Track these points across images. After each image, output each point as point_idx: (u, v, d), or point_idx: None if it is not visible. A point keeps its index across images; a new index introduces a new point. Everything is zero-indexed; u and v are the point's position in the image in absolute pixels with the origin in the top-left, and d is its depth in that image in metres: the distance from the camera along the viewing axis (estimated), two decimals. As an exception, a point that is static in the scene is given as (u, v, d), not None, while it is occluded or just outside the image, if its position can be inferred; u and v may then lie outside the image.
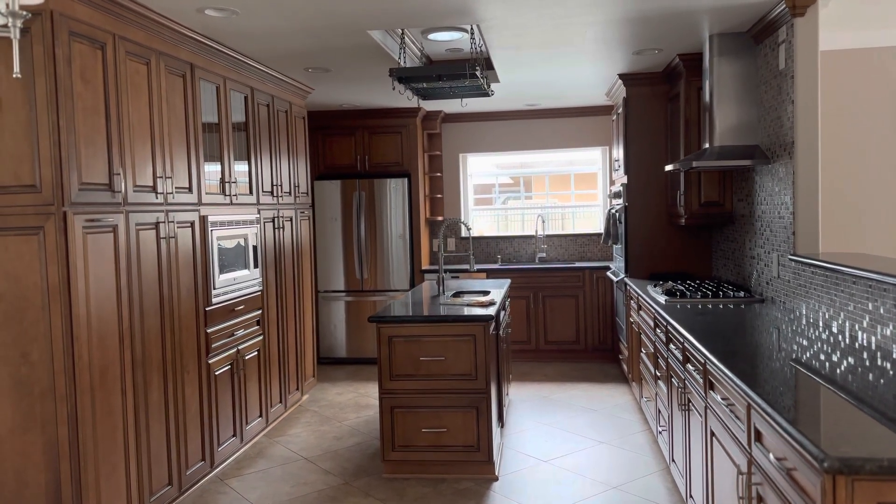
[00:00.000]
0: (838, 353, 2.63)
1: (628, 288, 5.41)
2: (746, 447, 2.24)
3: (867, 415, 1.87)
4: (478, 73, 4.05)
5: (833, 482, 1.59)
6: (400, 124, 6.91)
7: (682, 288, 4.50)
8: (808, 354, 2.64)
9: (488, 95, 4.64)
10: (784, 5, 3.62)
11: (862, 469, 1.56)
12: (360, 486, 3.89)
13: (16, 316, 2.89)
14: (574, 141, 7.34)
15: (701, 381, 2.88)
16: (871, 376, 2.26)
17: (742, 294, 4.22)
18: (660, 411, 4.04)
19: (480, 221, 7.74)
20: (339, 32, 4.00)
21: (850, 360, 2.51)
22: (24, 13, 1.81)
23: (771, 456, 1.98)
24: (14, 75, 1.79)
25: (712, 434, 2.73)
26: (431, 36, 4.51)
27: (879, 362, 2.45)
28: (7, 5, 1.83)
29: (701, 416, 2.91)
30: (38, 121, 2.82)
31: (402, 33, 4.39)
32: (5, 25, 1.94)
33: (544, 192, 7.74)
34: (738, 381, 2.26)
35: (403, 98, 6.07)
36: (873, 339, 2.77)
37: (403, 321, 3.88)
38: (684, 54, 4.85)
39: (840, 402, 2.01)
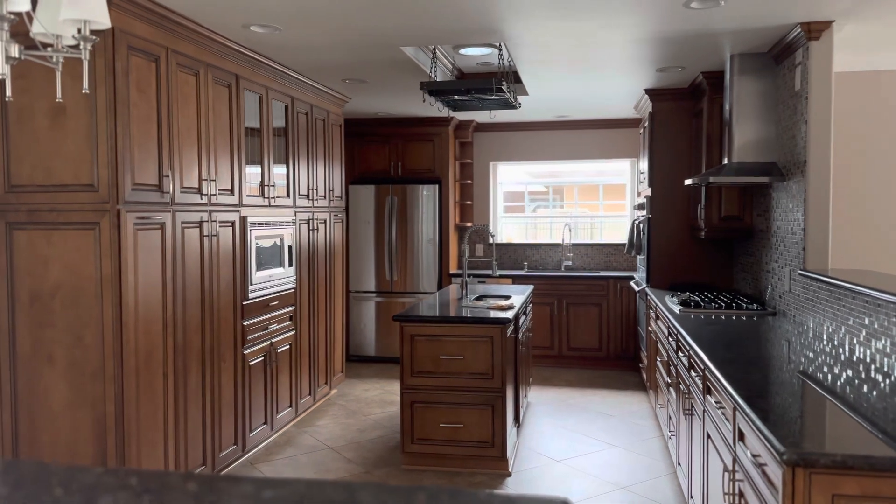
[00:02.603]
0: (834, 364, 2.78)
1: (648, 297, 5.55)
2: (732, 446, 2.41)
3: (842, 417, 2.04)
4: (504, 87, 4.27)
5: (793, 474, 1.76)
6: (433, 133, 7.16)
7: (698, 299, 4.64)
8: (804, 364, 2.79)
9: (515, 108, 4.85)
10: (800, 29, 3.76)
11: (817, 463, 1.73)
12: (380, 475, 4.12)
13: (72, 303, 3.19)
14: (603, 152, 7.50)
15: (701, 386, 3.05)
16: (863, 387, 2.41)
17: (756, 307, 4.35)
18: (670, 417, 4.19)
19: (510, 228, 7.95)
20: (374, 48, 4.26)
21: (844, 370, 2.65)
22: (94, 37, 2.08)
23: (748, 453, 2.16)
24: (83, 91, 2.06)
25: (708, 436, 2.89)
26: (462, 51, 4.74)
27: (872, 374, 2.59)
28: (79, 31, 2.11)
29: (700, 419, 3.07)
30: (97, 127, 3.12)
31: (434, 49, 4.63)
32: (75, 46, 2.22)
33: (573, 202, 7.91)
34: (726, 384, 2.43)
35: (436, 108, 6.31)
36: (868, 352, 2.90)
37: (425, 321, 4.10)
38: (707, 72, 5.00)
39: (819, 407, 2.17)
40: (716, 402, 2.72)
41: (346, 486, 0.80)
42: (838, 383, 2.44)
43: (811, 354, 2.98)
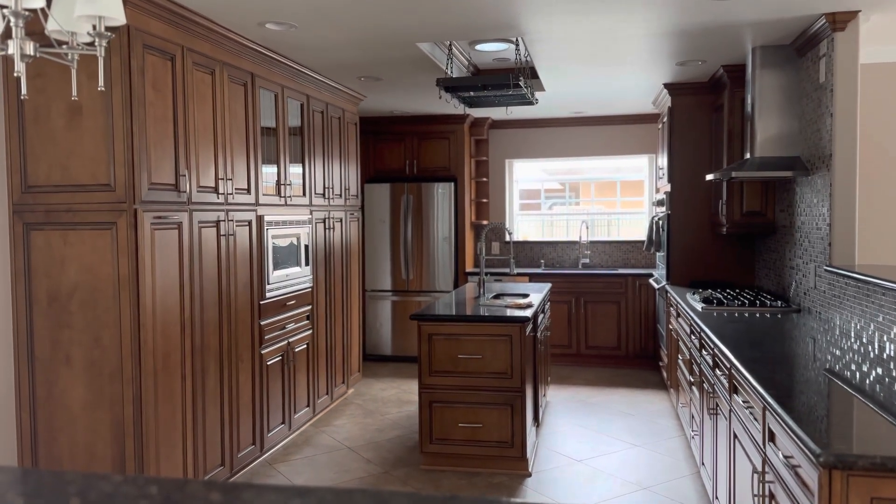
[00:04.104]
0: (863, 361, 2.70)
1: (669, 295, 5.48)
2: (762, 447, 2.34)
3: (875, 417, 1.97)
4: (521, 83, 4.21)
5: (829, 477, 1.70)
6: (448, 130, 7.11)
7: (720, 296, 4.56)
8: (831, 362, 2.72)
9: (532, 104, 4.80)
10: (825, 20, 3.67)
11: (855, 465, 1.67)
12: (399, 475, 4.09)
13: (90, 303, 3.18)
14: (621, 148, 7.42)
15: (727, 385, 2.98)
16: (894, 385, 2.34)
17: (779, 304, 4.26)
18: (693, 416, 4.12)
19: (526, 226, 7.88)
20: (390, 45, 4.22)
21: (874, 368, 2.58)
22: (110, 34, 2.05)
23: (780, 454, 2.09)
24: (99, 88, 2.03)
25: (735, 436, 2.83)
26: (479, 47, 4.69)
27: (903, 372, 2.52)
28: (94, 27, 2.08)
29: (726, 419, 3.01)
30: (113, 126, 3.11)
31: (450, 45, 4.58)
32: (90, 44, 2.19)
33: (590, 199, 7.83)
34: (755, 384, 2.37)
35: (451, 105, 6.26)
36: (899, 349, 2.82)
37: (443, 319, 4.06)
38: (728, 65, 4.91)
39: (850, 405, 2.10)
40: (743, 402, 2.65)
41: (376, 494, 0.75)
42: (868, 382, 2.37)
43: (838, 352, 2.90)
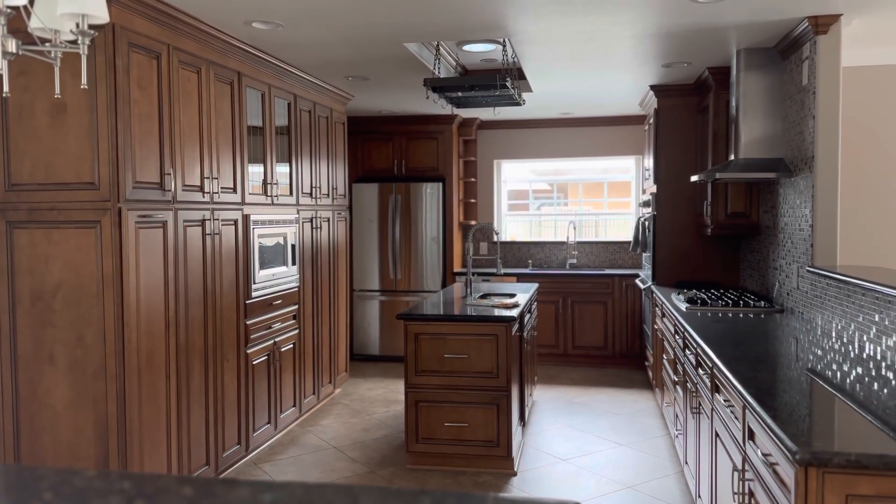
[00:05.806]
0: (843, 361, 2.74)
1: (654, 295, 5.51)
2: (742, 445, 2.37)
3: (854, 415, 2.00)
4: (508, 84, 4.23)
5: (805, 474, 1.73)
6: (436, 130, 7.13)
7: (704, 296, 4.60)
8: (811, 361, 2.75)
9: (519, 105, 4.82)
10: (807, 23, 3.71)
11: (831, 462, 1.69)
12: (385, 474, 4.09)
13: (74, 302, 3.17)
14: (608, 149, 7.45)
15: (709, 384, 3.01)
16: (873, 384, 2.37)
17: (763, 304, 4.30)
18: (677, 415, 4.15)
19: (514, 226, 7.90)
20: (377, 44, 4.22)
21: (853, 368, 2.61)
22: (93, 32, 2.05)
23: (759, 452, 2.12)
24: (81, 86, 2.03)
25: (717, 435, 2.85)
26: (466, 47, 4.70)
27: (883, 372, 2.55)
28: (77, 25, 2.08)
29: (709, 418, 3.03)
30: (98, 124, 3.10)
31: (437, 45, 4.59)
32: (73, 41, 2.19)
33: (578, 200, 7.86)
34: (735, 382, 2.39)
35: (439, 105, 6.28)
36: (878, 349, 2.86)
37: (429, 319, 4.07)
38: (714, 67, 4.95)
39: (830, 405, 2.13)
40: (724, 401, 2.68)
41: (348, 489, 0.76)
42: (848, 381, 2.40)
43: (820, 352, 2.94)
